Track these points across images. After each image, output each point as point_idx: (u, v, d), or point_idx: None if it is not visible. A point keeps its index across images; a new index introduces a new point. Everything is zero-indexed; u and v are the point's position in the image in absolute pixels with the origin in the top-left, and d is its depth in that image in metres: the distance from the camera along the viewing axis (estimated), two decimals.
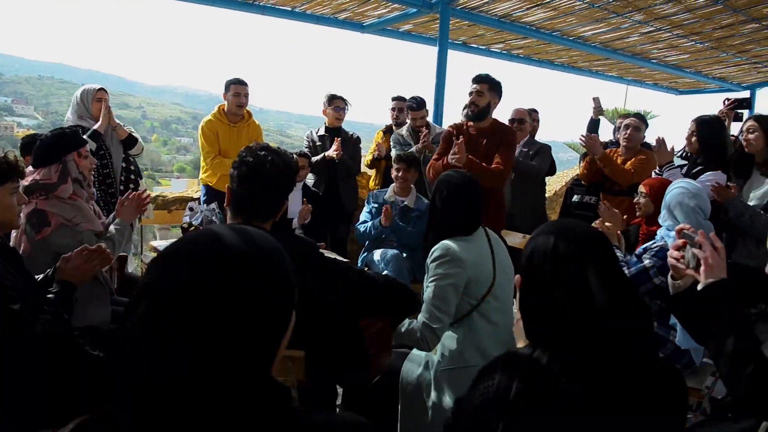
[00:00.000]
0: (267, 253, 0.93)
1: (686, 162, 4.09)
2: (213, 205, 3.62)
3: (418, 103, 5.10)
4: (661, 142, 4.00)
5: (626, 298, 1.39)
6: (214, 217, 3.44)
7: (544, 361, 1.34)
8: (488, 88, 3.91)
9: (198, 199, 5.14)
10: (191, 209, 3.54)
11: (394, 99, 5.58)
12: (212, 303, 0.84)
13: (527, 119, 5.15)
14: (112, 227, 2.96)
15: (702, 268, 1.67)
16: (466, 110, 3.96)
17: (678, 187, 3.00)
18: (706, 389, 2.57)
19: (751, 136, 3.58)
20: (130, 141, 4.36)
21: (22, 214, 2.66)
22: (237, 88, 4.86)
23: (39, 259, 2.68)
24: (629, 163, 4.41)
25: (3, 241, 2.34)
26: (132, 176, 4.41)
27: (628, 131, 4.47)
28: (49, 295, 2.21)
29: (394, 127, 5.58)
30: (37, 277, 2.42)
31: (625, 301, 1.38)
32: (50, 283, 2.44)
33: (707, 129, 3.92)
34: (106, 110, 4.13)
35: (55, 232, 2.74)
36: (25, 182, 2.66)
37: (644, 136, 4.62)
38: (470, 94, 3.94)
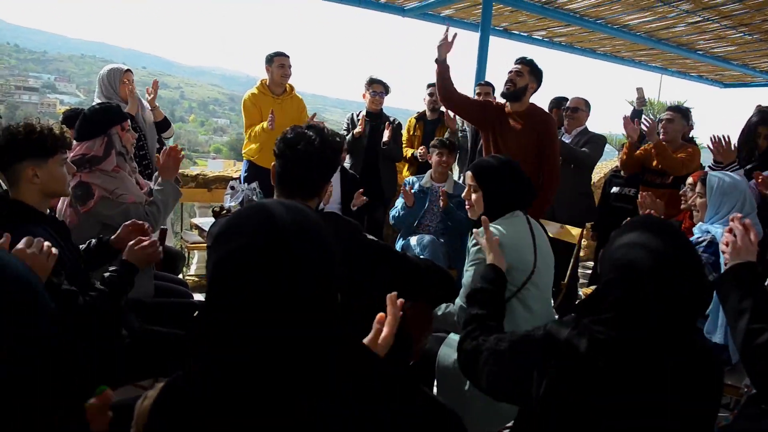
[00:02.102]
0: (306, 223, 0.98)
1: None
2: (254, 185, 3.65)
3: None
4: (726, 140, 3.90)
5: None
6: (254, 197, 3.47)
7: (584, 345, 1.34)
8: (529, 70, 3.85)
9: (239, 178, 5.20)
10: (232, 188, 3.58)
11: (430, 86, 5.51)
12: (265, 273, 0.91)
13: (582, 108, 5.02)
14: (155, 188, 3.01)
15: (729, 250, 1.77)
16: (503, 89, 3.93)
17: (717, 177, 2.96)
18: (745, 387, 2.53)
19: None
20: (164, 123, 4.44)
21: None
22: (281, 59, 4.89)
23: (85, 229, 2.74)
24: (679, 154, 4.29)
25: (52, 214, 2.40)
26: (163, 149, 4.50)
27: (662, 124, 4.39)
28: (109, 273, 2.23)
29: (428, 114, 5.57)
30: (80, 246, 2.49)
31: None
32: (93, 253, 2.50)
33: None
34: (132, 93, 4.15)
35: (98, 204, 2.80)
36: (70, 155, 2.71)
37: (685, 127, 4.49)
38: (509, 72, 3.90)
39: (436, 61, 3.83)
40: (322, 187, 2.03)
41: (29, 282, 0.81)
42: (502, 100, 3.99)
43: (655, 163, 4.37)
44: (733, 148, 3.91)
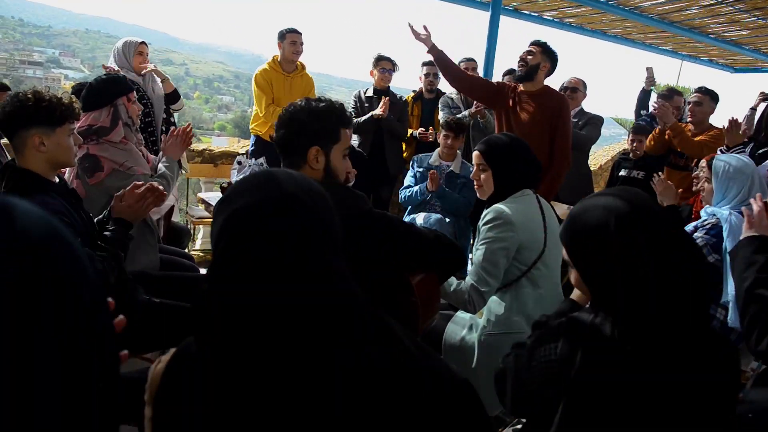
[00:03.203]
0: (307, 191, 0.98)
1: (744, 142, 3.96)
2: (261, 159, 3.64)
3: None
4: (733, 123, 3.87)
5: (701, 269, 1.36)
6: None
7: (608, 329, 1.30)
8: (541, 51, 3.82)
9: (246, 153, 5.18)
10: (239, 163, 3.56)
11: (425, 64, 5.43)
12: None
13: (581, 89, 5.03)
14: (161, 165, 3.02)
15: (744, 223, 1.89)
16: (517, 71, 3.92)
17: (723, 161, 2.92)
18: (752, 371, 2.52)
19: None
20: (174, 96, 4.45)
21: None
22: (293, 36, 4.89)
23: (94, 201, 2.73)
24: (701, 137, 4.25)
25: (63, 182, 2.39)
26: (172, 128, 4.51)
27: (690, 106, 4.35)
28: (106, 233, 2.25)
29: (425, 93, 5.51)
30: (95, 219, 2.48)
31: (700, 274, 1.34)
32: (107, 223, 2.50)
33: None
34: (156, 71, 4.23)
35: (108, 177, 2.79)
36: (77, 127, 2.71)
37: (713, 109, 4.43)
38: (521, 54, 3.89)
39: (428, 52, 3.93)
40: (302, 148, 1.97)
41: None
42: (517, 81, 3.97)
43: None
44: (741, 132, 3.88)
